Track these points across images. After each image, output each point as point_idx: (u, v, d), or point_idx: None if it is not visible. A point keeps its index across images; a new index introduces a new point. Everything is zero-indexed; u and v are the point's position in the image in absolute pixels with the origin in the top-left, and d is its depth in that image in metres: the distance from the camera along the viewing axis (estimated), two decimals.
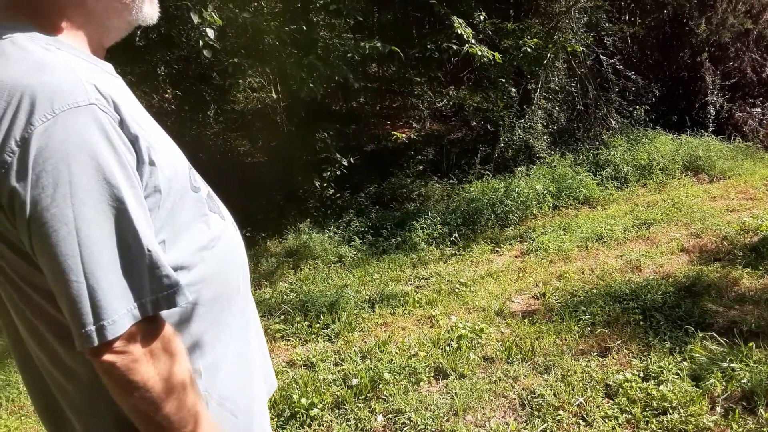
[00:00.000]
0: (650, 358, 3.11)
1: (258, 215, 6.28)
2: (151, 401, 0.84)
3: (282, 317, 3.98)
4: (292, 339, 3.71)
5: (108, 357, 0.81)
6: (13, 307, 0.91)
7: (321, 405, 2.87)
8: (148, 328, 0.84)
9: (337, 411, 2.89)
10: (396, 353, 3.36)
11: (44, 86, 0.79)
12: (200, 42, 4.31)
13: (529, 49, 6.88)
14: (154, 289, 0.83)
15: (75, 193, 0.78)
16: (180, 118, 6.89)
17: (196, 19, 4.26)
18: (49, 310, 0.86)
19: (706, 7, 9.22)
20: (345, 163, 6.56)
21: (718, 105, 9.25)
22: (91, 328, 0.78)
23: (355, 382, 3.02)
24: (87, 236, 0.79)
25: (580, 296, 4.05)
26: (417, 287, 4.57)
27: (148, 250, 0.83)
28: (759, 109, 9.39)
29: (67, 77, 0.82)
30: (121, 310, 0.80)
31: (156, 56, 5.59)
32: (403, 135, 6.39)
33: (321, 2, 7.01)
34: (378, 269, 4.97)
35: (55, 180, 0.77)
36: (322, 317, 3.88)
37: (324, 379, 3.09)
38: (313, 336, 3.71)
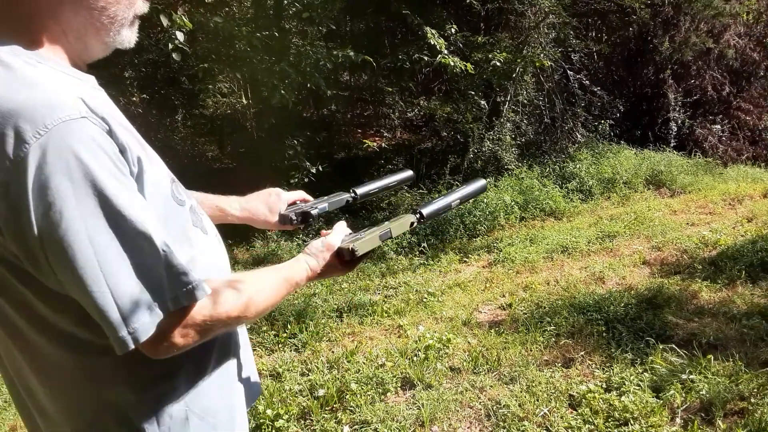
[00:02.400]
0: (613, 369, 3.17)
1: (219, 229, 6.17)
2: (228, 325, 0.97)
3: (248, 327, 3.93)
4: (259, 349, 3.67)
5: (150, 350, 0.87)
6: None
7: (287, 416, 2.84)
8: (177, 317, 0.88)
9: (303, 422, 2.87)
10: (363, 363, 3.35)
11: (34, 103, 0.79)
12: (170, 45, 4.24)
13: (498, 63, 6.99)
14: (173, 287, 0.86)
15: (81, 206, 0.79)
16: (147, 122, 6.76)
17: (165, 22, 4.21)
18: (37, 307, 0.88)
19: (670, 26, 9.53)
20: (314, 171, 6.53)
21: (679, 121, 9.54)
22: (124, 333, 0.82)
23: (321, 392, 3.00)
24: (101, 246, 0.81)
25: (545, 307, 4.10)
26: (385, 297, 4.57)
27: (163, 251, 0.85)
28: (719, 126, 9.72)
29: (55, 92, 0.82)
30: (147, 311, 0.84)
31: (124, 59, 5.49)
32: (375, 143, 6.40)
33: (294, 9, 7.01)
34: (346, 278, 4.95)
35: (59, 196, 0.78)
36: (289, 326, 3.85)
37: (290, 389, 3.06)
38: (280, 346, 3.68)
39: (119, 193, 0.82)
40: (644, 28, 9.59)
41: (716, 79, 9.76)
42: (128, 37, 0.98)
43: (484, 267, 5.31)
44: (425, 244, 5.84)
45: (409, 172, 1.72)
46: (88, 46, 0.95)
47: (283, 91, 5.21)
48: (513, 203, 6.75)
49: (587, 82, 8.63)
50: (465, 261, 5.48)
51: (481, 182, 1.53)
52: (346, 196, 1.54)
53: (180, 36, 4.14)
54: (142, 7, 0.98)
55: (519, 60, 7.38)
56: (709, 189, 7.52)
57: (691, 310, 3.92)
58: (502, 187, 7.17)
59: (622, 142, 8.97)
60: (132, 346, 0.83)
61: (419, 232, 6.05)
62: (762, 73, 10.14)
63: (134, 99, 6.55)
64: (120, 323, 0.82)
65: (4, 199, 0.78)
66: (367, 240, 1.21)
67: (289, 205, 1.48)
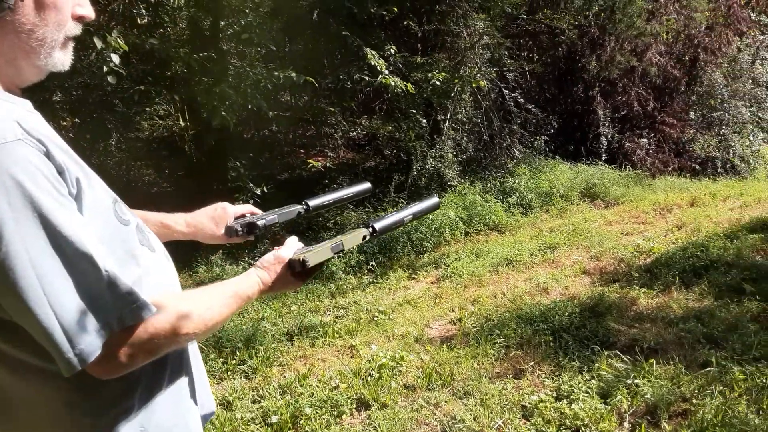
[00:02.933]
0: (562, 378, 3.25)
1: (165, 246, 5.97)
2: (176, 343, 0.97)
3: None
4: (207, 377, 3.54)
5: (97, 371, 0.87)
6: None
7: None
8: (123, 337, 0.87)
9: None
10: (317, 386, 3.30)
11: None
12: (104, 68, 4.11)
13: (438, 82, 7.14)
14: (117, 307, 0.86)
15: (21, 229, 0.78)
16: (80, 147, 6.46)
17: (99, 45, 4.07)
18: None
19: (596, 46, 10.03)
20: (258, 192, 6.44)
21: (609, 136, 10.02)
22: (71, 355, 0.82)
23: (275, 419, 2.92)
24: (43, 268, 0.80)
25: (494, 320, 4.17)
26: (336, 317, 4.53)
27: (105, 270, 0.85)
28: (645, 140, 10.27)
29: None
30: (92, 332, 0.83)
31: (53, 83, 5.26)
32: (319, 163, 6.38)
33: (231, 31, 6.94)
34: (296, 300, 4.88)
35: None
36: (238, 353, 3.74)
37: (242, 418, 2.97)
38: (229, 373, 3.56)
39: (59, 214, 0.81)
40: (573, 47, 10.06)
41: (641, 96, 10.33)
42: (62, 60, 0.96)
43: (432, 283, 5.35)
44: (373, 263, 5.83)
45: (367, 185, 1.72)
46: (20, 70, 0.93)
47: (224, 113, 5.13)
48: (458, 219, 6.86)
49: (522, 100, 8.94)
50: (414, 278, 5.51)
51: (434, 200, 1.55)
52: (297, 208, 1.54)
53: (115, 58, 4.02)
54: (74, 29, 0.96)
55: (456, 80, 7.57)
56: (640, 200, 7.90)
57: (631, 317, 4.08)
58: (447, 204, 7.27)
59: (557, 156, 9.32)
60: (79, 367, 0.82)
61: (367, 250, 6.04)
62: (683, 89, 10.82)
63: (65, 123, 6.29)
64: (66, 344, 0.81)
65: None
66: (319, 252, 1.22)
67: (237, 217, 1.47)
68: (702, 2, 9.97)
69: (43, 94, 5.74)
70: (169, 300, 0.96)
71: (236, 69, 6.40)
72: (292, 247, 1.25)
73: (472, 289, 5.02)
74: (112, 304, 0.85)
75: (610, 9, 9.68)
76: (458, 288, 5.04)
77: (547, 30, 9.57)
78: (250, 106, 5.73)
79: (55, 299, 0.80)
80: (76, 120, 6.66)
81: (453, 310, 4.54)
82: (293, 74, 5.68)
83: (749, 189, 8.29)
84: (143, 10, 6.83)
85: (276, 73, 5.64)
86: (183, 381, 1.10)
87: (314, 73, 6.77)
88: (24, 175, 0.79)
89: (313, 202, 1.54)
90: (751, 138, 10.94)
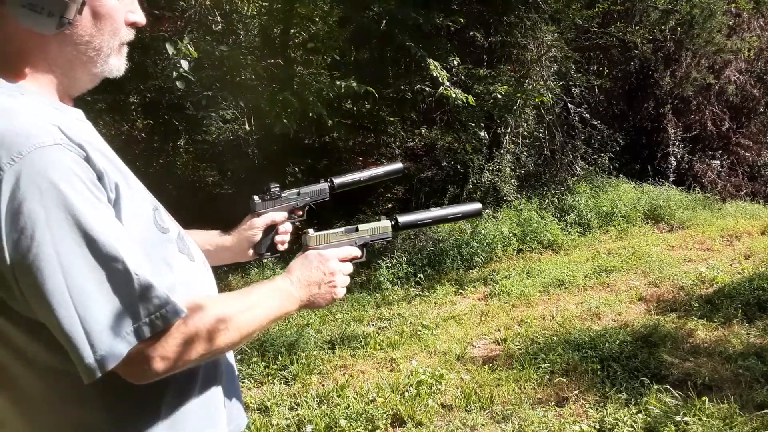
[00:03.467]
0: (606, 410, 3.14)
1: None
2: (202, 357, 0.93)
3: (238, 357, 3.90)
4: (248, 380, 3.64)
5: (130, 376, 0.87)
6: None
7: None
8: (156, 342, 0.87)
9: None
10: (354, 398, 3.33)
11: (10, 131, 0.81)
12: (174, 73, 4.31)
13: (499, 95, 7.06)
14: (147, 311, 0.85)
15: (53, 231, 0.79)
16: (149, 147, 6.82)
17: (171, 51, 4.28)
18: (12, 336, 0.88)
19: (671, 61, 9.64)
20: None
21: (679, 156, 9.59)
22: (90, 361, 0.81)
23: (309, 428, 2.97)
24: (71, 270, 0.80)
25: (540, 343, 4.08)
26: (379, 328, 4.55)
27: (136, 274, 0.84)
28: (718, 162, 9.76)
29: (31, 120, 0.84)
30: (117, 338, 0.82)
31: (131, 85, 5.56)
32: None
33: (299, 39, 7.13)
34: (341, 308, 4.94)
35: (31, 221, 0.79)
36: (280, 358, 3.83)
37: (277, 424, 3.03)
38: (270, 378, 3.65)
39: (92, 218, 0.82)
40: (645, 62, 9.70)
41: (716, 115, 9.84)
42: (117, 65, 0.99)
43: (479, 299, 5.29)
44: (421, 275, 5.83)
45: (399, 165, 1.65)
46: (76, 81, 0.97)
47: (285, 120, 5.27)
48: (511, 235, 6.75)
49: (587, 115, 8.70)
50: (461, 293, 5.46)
51: (475, 205, 1.47)
52: (324, 186, 1.49)
53: (185, 64, 4.21)
54: (127, 35, 1.00)
55: (519, 93, 7.45)
56: (707, 225, 7.52)
57: (686, 350, 3.89)
58: (501, 219, 7.18)
59: (621, 175, 9.00)
60: (99, 374, 0.82)
61: (416, 262, 6.04)
62: (762, 110, 10.22)
63: (138, 124, 6.62)
64: (87, 350, 0.80)
65: None
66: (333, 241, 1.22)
67: (267, 228, 1.47)
68: None
69: (120, 96, 6.09)
70: (206, 303, 0.95)
71: (301, 77, 6.56)
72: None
73: (520, 308, 4.92)
74: (143, 309, 0.84)
75: (689, 23, 9.27)
76: (506, 307, 4.96)
77: (619, 44, 9.26)
78: (311, 114, 5.85)
79: (80, 303, 0.80)
80: (149, 121, 7.01)
81: (498, 330, 4.47)
82: (354, 84, 5.77)
83: None
84: (218, 17, 7.13)
85: (338, 83, 5.74)
86: (215, 392, 1.09)
87: (377, 82, 6.85)
88: (60, 179, 0.80)
89: (338, 180, 1.49)
90: None
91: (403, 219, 1.31)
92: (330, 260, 1.18)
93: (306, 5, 6.48)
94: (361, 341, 4.16)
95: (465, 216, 1.45)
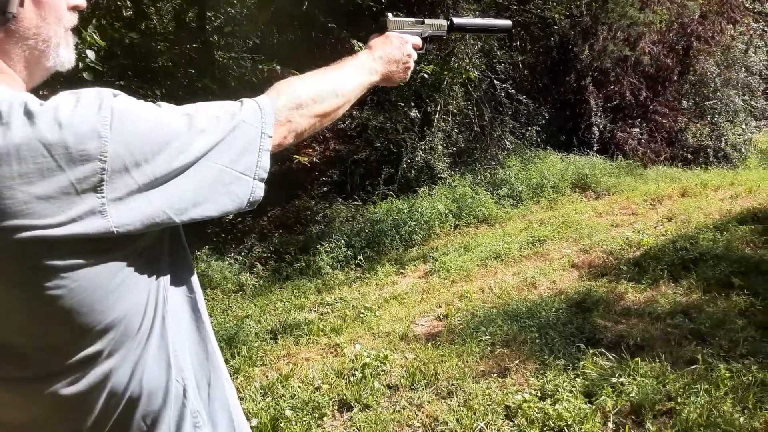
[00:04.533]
0: (546, 377, 3.21)
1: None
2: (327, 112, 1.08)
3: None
4: None
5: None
6: None
7: None
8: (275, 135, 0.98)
9: None
10: (299, 387, 3.26)
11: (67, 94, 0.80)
12: (80, 64, 4.01)
13: (426, 75, 7.06)
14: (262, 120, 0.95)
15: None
16: None
17: (74, 40, 3.97)
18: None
19: (589, 35, 9.95)
20: None
21: (601, 126, 9.96)
22: (247, 205, 0.92)
23: (254, 422, 2.88)
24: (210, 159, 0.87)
25: (480, 316, 4.13)
26: (321, 314, 4.49)
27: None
28: (637, 129, 10.22)
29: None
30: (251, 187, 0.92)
31: None
32: (305, 158, 6.33)
33: (217, 23, 6.84)
34: (281, 297, 4.84)
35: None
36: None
37: None
38: None
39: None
40: (565, 37, 9.97)
41: (634, 85, 10.27)
42: (67, 57, 0.94)
43: (420, 277, 5.31)
44: (361, 257, 5.79)
45: (509, 22, 1.69)
46: (34, 76, 0.91)
47: None
48: (447, 211, 6.82)
49: (513, 90, 8.87)
50: (401, 272, 5.47)
51: (507, 22, 1.65)
52: (444, 22, 1.51)
53: (91, 54, 3.92)
54: (71, 20, 0.93)
55: (446, 72, 7.48)
56: (631, 190, 7.86)
57: (618, 312, 4.05)
58: (436, 196, 7.23)
59: (549, 147, 9.26)
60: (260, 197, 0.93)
61: (355, 244, 5.99)
62: (675, 78, 10.76)
63: None
64: (243, 205, 0.91)
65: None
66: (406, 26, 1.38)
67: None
68: None
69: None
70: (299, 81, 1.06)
71: (222, 62, 6.31)
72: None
73: (460, 284, 4.98)
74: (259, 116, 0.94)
75: None
76: (446, 283, 5.00)
77: (539, 20, 9.46)
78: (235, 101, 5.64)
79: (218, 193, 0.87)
80: None
81: (440, 306, 4.50)
82: (278, 67, 5.60)
83: (740, 178, 8.26)
84: (128, 1, 6.73)
85: (260, 66, 5.55)
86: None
87: (303, 64, 6.67)
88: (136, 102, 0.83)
89: (457, 20, 1.53)
90: (744, 126, 10.89)
91: (457, 21, 1.49)
92: (408, 43, 1.32)
93: None
94: (303, 329, 4.09)
95: (501, 29, 1.68)
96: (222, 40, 6.51)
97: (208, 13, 6.75)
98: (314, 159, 7.66)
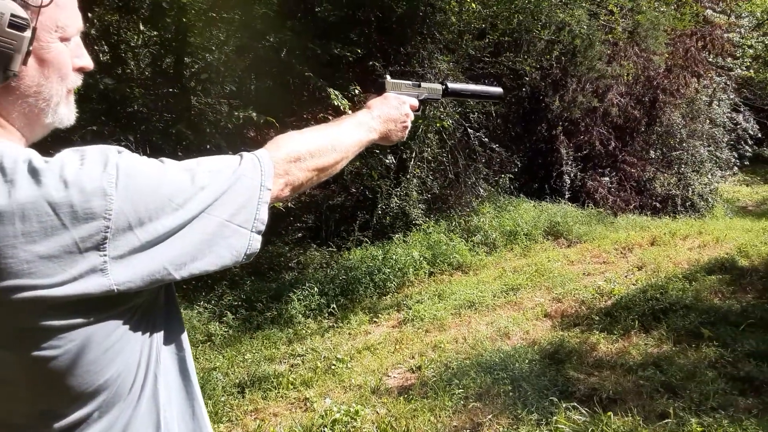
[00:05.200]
0: None
1: None
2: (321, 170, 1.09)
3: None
4: None
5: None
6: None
7: None
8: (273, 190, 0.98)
9: None
10: None
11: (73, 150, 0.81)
12: None
13: None
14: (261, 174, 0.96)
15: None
16: None
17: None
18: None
19: (559, 87, 10.25)
20: None
21: (572, 174, 10.16)
22: (244, 258, 0.91)
23: None
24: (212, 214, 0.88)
25: (453, 368, 4.08)
26: (291, 366, 4.38)
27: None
28: (607, 179, 10.44)
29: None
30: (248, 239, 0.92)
31: None
32: (280, 203, 6.29)
33: (194, 68, 6.89)
34: (251, 347, 4.72)
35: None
36: None
37: None
38: None
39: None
40: (536, 88, 10.26)
41: (603, 135, 10.54)
42: (66, 115, 0.94)
43: (393, 327, 5.25)
44: (334, 305, 5.71)
45: (500, 90, 1.75)
46: (33, 133, 0.91)
47: (180, 154, 5.03)
48: (422, 258, 6.81)
49: (486, 139, 9.02)
50: (375, 321, 5.40)
51: (499, 89, 1.72)
52: (438, 86, 1.56)
53: None
54: (75, 81, 0.94)
55: (421, 120, 7.61)
56: (602, 238, 7.96)
57: (590, 364, 4.04)
58: (411, 243, 7.23)
59: (522, 195, 9.40)
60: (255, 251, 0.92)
61: (328, 292, 5.92)
62: (643, 129, 11.08)
63: None
64: (240, 259, 0.90)
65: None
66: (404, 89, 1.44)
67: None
68: (660, 45, 10.30)
69: None
70: (295, 137, 1.07)
71: (199, 105, 6.32)
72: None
73: (434, 333, 4.93)
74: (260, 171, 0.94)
75: (572, 52, 9.94)
76: (419, 332, 4.95)
77: (511, 72, 9.74)
78: (209, 146, 5.64)
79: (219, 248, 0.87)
80: None
81: (413, 357, 4.44)
82: (253, 114, 5.63)
83: (708, 227, 8.44)
84: (105, 47, 6.76)
85: (236, 113, 5.57)
86: None
87: (280, 111, 6.73)
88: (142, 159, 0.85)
89: (452, 85, 1.59)
90: (710, 176, 11.21)
91: (451, 86, 1.56)
92: (406, 104, 1.37)
93: (200, 35, 6.28)
94: (272, 381, 3.98)
95: (493, 97, 1.74)
96: (199, 86, 6.54)
97: (186, 59, 6.80)
98: (289, 204, 7.64)
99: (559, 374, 3.83)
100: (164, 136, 5.07)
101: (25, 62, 0.83)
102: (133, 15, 6.19)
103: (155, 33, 6.37)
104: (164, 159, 0.88)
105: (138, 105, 5.43)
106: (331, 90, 6.45)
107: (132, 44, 6.73)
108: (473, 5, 8.08)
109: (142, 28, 6.65)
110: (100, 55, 6.46)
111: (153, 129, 5.34)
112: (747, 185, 14.55)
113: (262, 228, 0.93)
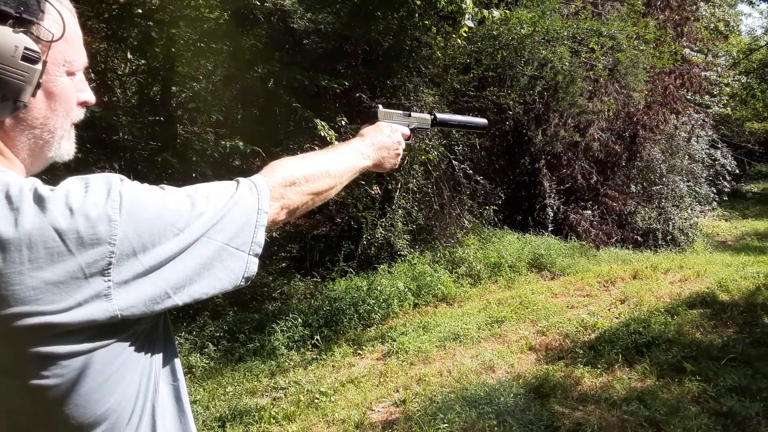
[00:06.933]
0: None
1: None
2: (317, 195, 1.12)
3: None
4: None
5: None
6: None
7: None
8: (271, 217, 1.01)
9: None
10: None
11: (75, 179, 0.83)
12: None
13: None
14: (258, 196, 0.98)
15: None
16: None
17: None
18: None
19: (542, 121, 10.44)
20: None
21: (555, 207, 10.28)
22: (243, 282, 0.92)
23: None
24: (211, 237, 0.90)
25: (438, 402, 4.04)
26: (274, 399, 4.31)
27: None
28: (589, 212, 10.57)
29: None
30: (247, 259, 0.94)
31: None
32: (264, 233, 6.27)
33: (181, 98, 6.91)
34: (232, 380, 4.64)
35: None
36: None
37: None
38: None
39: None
40: (519, 122, 10.43)
41: (585, 169, 10.72)
42: (67, 150, 0.96)
43: (378, 359, 5.20)
44: (318, 337, 5.66)
45: (485, 121, 1.82)
46: (35, 163, 0.93)
47: (165, 182, 5.00)
48: (406, 289, 6.79)
49: (471, 171, 9.12)
50: (359, 353, 5.35)
51: (483, 120, 1.79)
52: (427, 117, 1.62)
53: None
54: (78, 115, 0.96)
55: (406, 152, 7.68)
56: (585, 271, 8.03)
57: (575, 398, 4.02)
58: (396, 274, 7.21)
59: (506, 227, 9.47)
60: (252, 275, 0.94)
61: (312, 323, 5.86)
62: (624, 163, 11.30)
63: None
64: (239, 282, 0.92)
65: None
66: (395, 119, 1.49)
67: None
68: (639, 82, 10.57)
69: None
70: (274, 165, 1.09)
71: (185, 135, 6.32)
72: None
73: (418, 366, 4.89)
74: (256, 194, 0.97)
75: (554, 88, 10.15)
76: (404, 365, 4.91)
77: (495, 106, 9.91)
78: (195, 175, 5.63)
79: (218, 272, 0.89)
80: None
81: (397, 390, 4.39)
82: (240, 143, 5.64)
83: (688, 261, 8.56)
84: (92, 74, 6.76)
85: (222, 142, 5.58)
86: None
87: (266, 141, 6.75)
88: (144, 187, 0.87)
89: (440, 116, 1.65)
90: (689, 211, 11.41)
91: (440, 116, 1.63)
92: (398, 132, 1.42)
93: (188, 64, 6.33)
94: (254, 416, 3.90)
95: (478, 127, 1.80)
96: (185, 114, 6.55)
97: (173, 88, 6.83)
98: (273, 233, 7.61)
99: (544, 408, 3.81)
100: (150, 164, 5.05)
101: (34, 94, 0.85)
102: (121, 44, 6.22)
103: (143, 62, 6.40)
104: (164, 186, 0.90)
105: (124, 133, 5.42)
106: (318, 120, 6.50)
107: (119, 72, 6.76)
108: (458, 41, 8.26)
109: (130, 56, 6.69)
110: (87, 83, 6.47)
111: (138, 157, 5.32)
112: (726, 220, 14.83)
113: (259, 251, 0.94)
